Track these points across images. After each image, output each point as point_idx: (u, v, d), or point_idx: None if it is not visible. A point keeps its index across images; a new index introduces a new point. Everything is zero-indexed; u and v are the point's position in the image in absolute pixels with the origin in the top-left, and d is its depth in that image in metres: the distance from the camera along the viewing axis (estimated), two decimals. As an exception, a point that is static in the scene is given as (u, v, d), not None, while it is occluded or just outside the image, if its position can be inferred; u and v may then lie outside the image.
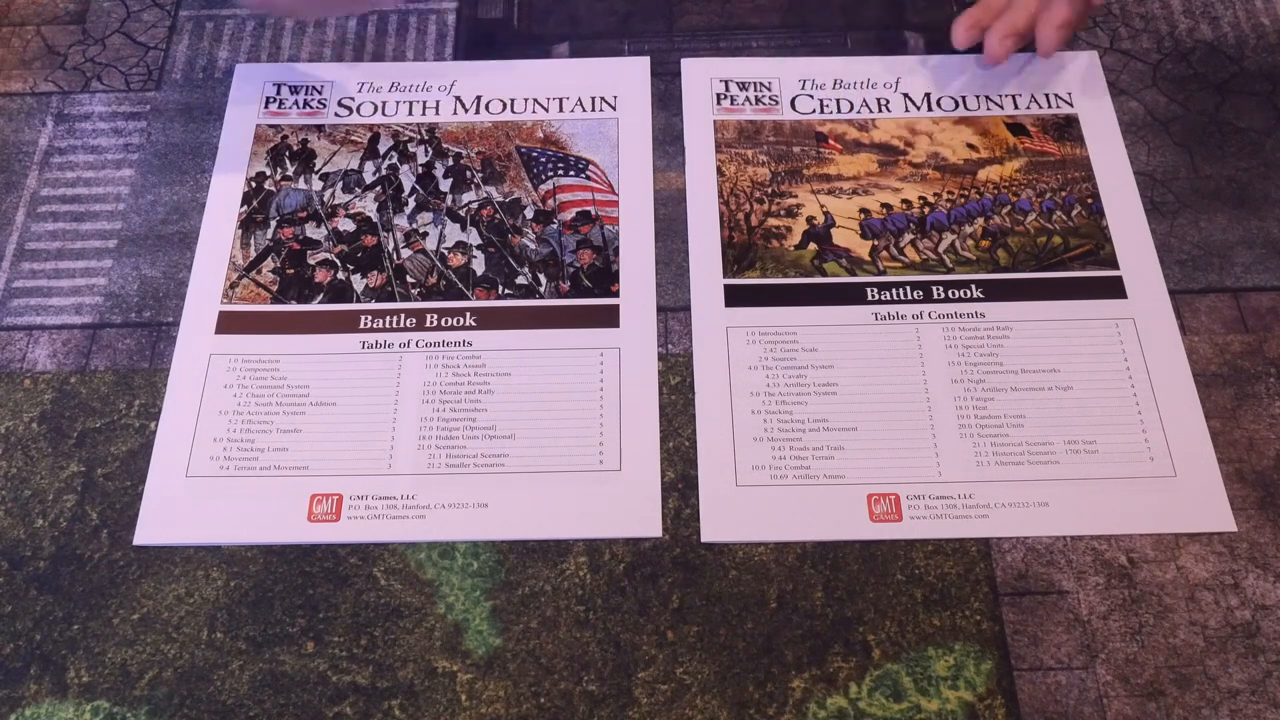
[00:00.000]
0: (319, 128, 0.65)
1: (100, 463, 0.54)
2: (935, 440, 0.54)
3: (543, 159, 0.64)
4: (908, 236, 0.61)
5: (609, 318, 0.58)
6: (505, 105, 0.66)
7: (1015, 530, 0.52)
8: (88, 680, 0.49)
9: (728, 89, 0.67)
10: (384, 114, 0.66)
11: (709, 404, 0.55)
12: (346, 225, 0.62)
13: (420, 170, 0.64)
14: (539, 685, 0.48)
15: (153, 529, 0.52)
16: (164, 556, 0.52)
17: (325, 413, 0.55)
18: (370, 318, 0.58)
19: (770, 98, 0.66)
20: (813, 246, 0.60)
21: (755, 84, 0.67)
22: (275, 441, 0.54)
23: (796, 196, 0.62)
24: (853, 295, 0.59)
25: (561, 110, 0.66)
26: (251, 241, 0.61)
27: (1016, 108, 0.65)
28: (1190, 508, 0.52)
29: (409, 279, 0.60)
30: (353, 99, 0.66)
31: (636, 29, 0.70)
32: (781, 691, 0.48)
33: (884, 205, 0.62)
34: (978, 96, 0.66)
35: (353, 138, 0.65)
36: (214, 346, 0.57)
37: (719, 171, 0.63)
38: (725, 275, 0.59)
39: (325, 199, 0.63)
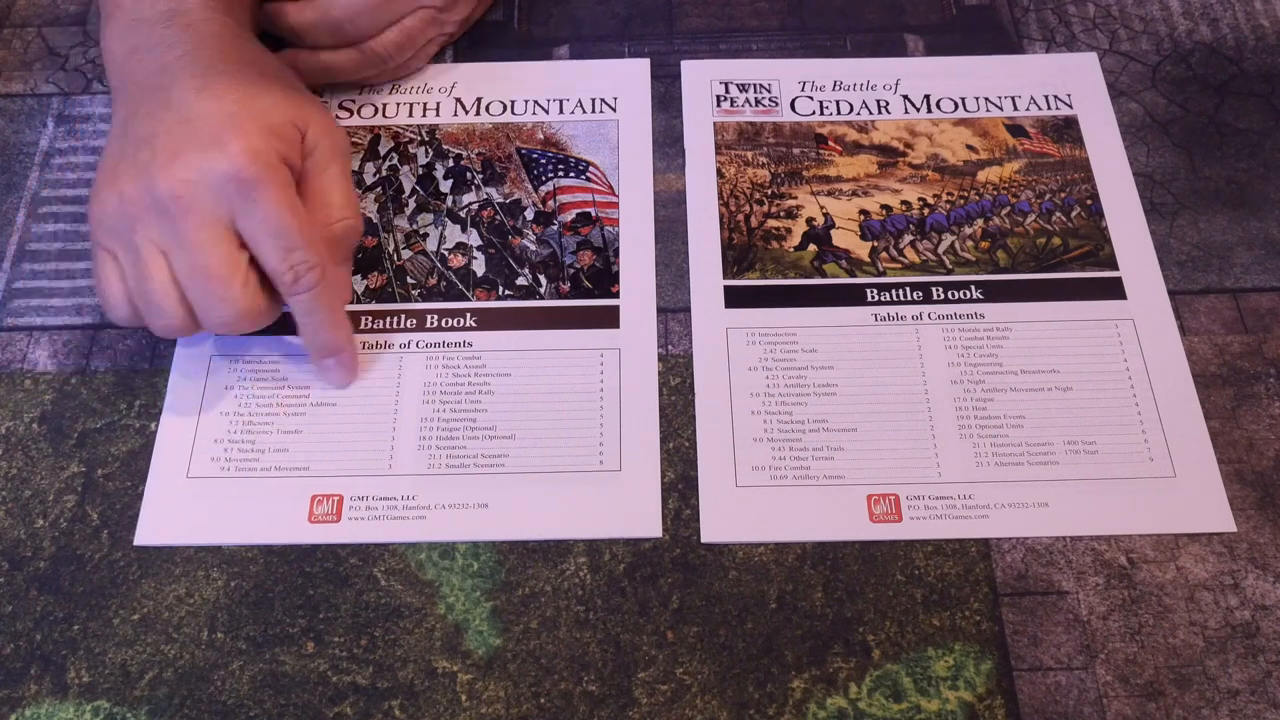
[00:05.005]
0: (319, 129, 0.65)
1: (101, 463, 0.54)
2: (935, 441, 0.54)
3: (543, 160, 0.64)
4: (907, 238, 0.61)
5: (609, 319, 0.58)
6: (505, 107, 0.66)
7: (1015, 531, 0.52)
8: (88, 680, 0.49)
9: (727, 91, 0.67)
10: (384, 115, 0.66)
11: (709, 405, 0.55)
12: (347, 226, 0.62)
13: (420, 171, 0.64)
14: (539, 685, 0.48)
15: (153, 529, 0.52)
16: (164, 557, 0.52)
17: (326, 413, 0.55)
18: (370, 319, 0.58)
19: (770, 99, 0.66)
20: (812, 248, 0.60)
21: (755, 86, 0.67)
22: (276, 442, 0.54)
23: (796, 198, 0.62)
24: (852, 296, 0.59)
25: (562, 112, 0.66)
26: (252, 243, 0.61)
27: (1016, 109, 0.66)
28: (1190, 508, 0.52)
29: (409, 280, 0.60)
30: (353, 101, 0.66)
31: (637, 31, 0.70)
32: (781, 692, 0.48)
33: (883, 207, 0.62)
34: (977, 98, 0.66)
35: (353, 139, 0.65)
36: (214, 347, 0.57)
37: (719, 173, 0.63)
38: (725, 276, 0.59)
39: (326, 200, 0.63)
